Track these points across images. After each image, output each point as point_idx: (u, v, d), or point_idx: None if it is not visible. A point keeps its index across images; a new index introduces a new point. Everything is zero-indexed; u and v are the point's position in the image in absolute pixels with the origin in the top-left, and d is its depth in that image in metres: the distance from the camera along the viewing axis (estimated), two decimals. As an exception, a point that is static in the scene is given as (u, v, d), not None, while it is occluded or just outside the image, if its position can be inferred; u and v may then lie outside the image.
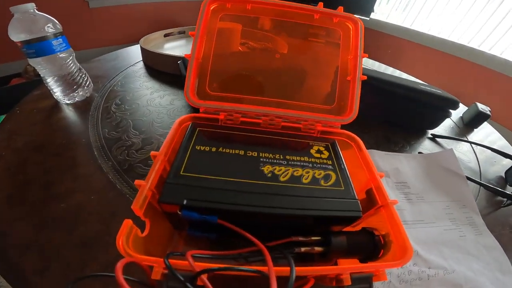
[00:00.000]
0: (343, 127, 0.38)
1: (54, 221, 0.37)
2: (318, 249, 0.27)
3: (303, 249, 0.27)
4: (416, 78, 2.98)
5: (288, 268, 0.20)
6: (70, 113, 0.59)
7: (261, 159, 0.30)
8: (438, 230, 0.45)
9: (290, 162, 0.30)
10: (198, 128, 0.33)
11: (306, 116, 0.37)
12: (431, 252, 0.42)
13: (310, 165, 0.30)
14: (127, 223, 0.22)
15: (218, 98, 0.36)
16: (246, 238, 0.24)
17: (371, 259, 0.27)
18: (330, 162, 0.31)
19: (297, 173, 0.29)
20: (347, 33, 0.40)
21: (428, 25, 3.11)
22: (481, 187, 0.56)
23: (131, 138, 0.52)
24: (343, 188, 0.29)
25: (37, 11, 0.55)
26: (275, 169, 0.29)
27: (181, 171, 0.27)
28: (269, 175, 0.28)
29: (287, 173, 0.29)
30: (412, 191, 0.51)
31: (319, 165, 0.31)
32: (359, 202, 0.28)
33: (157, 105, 0.63)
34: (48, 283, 0.31)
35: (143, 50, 0.84)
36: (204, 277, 0.19)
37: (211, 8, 0.39)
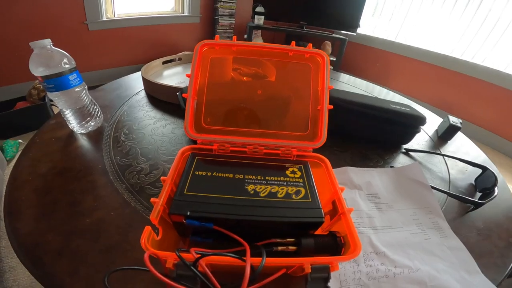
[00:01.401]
0: (315, 150, 0.46)
1: (80, 233, 0.45)
2: (292, 248, 0.35)
3: (280, 248, 0.35)
4: (405, 90, 3.09)
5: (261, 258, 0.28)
6: (85, 142, 0.67)
7: (246, 180, 0.39)
8: (405, 234, 0.52)
9: (269, 182, 0.39)
10: (196, 157, 0.42)
11: (283, 143, 0.45)
12: (398, 253, 0.47)
13: (285, 183, 0.39)
14: (148, 228, 0.30)
15: (212, 130, 0.45)
16: (235, 239, 0.32)
17: (335, 256, 0.35)
18: (301, 180, 0.40)
19: (274, 190, 0.38)
20: (316, 66, 0.49)
21: (414, 37, 3.24)
22: (449, 195, 0.62)
23: (140, 164, 0.61)
24: (310, 200, 0.37)
25: (53, 47, 0.62)
26: (257, 187, 0.38)
27: (185, 190, 0.36)
28: (252, 192, 0.37)
29: (266, 190, 0.37)
30: (382, 201, 0.58)
31: (292, 183, 0.39)
32: (322, 210, 0.36)
33: (160, 134, 0.72)
34: (78, 283, 0.38)
35: (145, 80, 0.92)
36: (202, 263, 0.27)
37: (203, 50, 0.47)
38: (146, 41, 3.26)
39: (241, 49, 0.48)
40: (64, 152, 0.64)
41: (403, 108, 0.76)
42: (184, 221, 0.33)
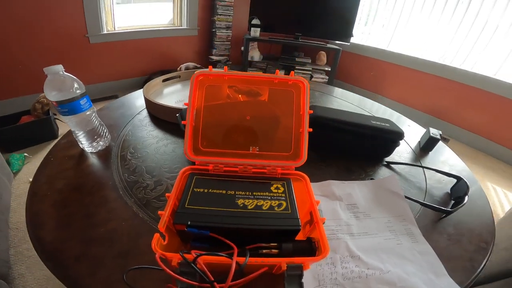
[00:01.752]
0: (298, 168, 0.54)
1: (96, 240, 0.52)
2: (274, 251, 0.43)
3: (264, 251, 0.43)
4: (398, 98, 3.16)
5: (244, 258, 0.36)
6: (95, 160, 0.75)
7: (236, 195, 0.47)
8: (379, 239, 0.58)
9: (256, 196, 0.47)
10: (195, 176, 0.50)
11: (269, 163, 0.53)
12: (371, 257, 0.53)
13: (269, 197, 0.47)
14: (157, 235, 0.38)
15: (208, 153, 0.53)
16: (227, 244, 0.39)
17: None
18: (283, 195, 0.48)
19: (259, 203, 0.45)
20: (298, 92, 0.56)
21: (405, 46, 3.30)
22: (421, 205, 0.68)
23: (146, 181, 0.68)
24: (290, 212, 0.45)
25: (65, 73, 0.68)
26: (245, 201, 0.45)
27: (186, 204, 0.44)
28: (241, 205, 0.45)
29: (253, 204, 0.45)
30: (360, 210, 0.64)
31: (275, 197, 0.47)
32: (299, 220, 0.43)
33: (163, 153, 0.79)
34: (97, 284, 0.45)
35: (147, 100, 0.99)
36: (200, 261, 0.35)
37: (199, 80, 0.55)
38: (145, 54, 3.33)
39: (232, 78, 0.56)
40: (77, 170, 0.71)
41: (383, 124, 0.83)
42: (186, 229, 0.41)
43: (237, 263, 0.35)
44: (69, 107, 0.69)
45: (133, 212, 0.59)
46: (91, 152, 0.77)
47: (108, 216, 0.57)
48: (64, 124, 2.30)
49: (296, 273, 0.37)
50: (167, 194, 0.45)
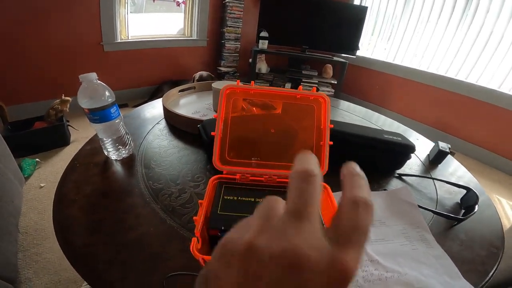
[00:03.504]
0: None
1: (127, 245, 0.55)
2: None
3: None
4: (404, 111, 3.16)
5: None
6: (119, 168, 0.78)
7: None
8: (395, 245, 0.60)
9: (282, 204, 0.49)
10: (224, 185, 0.52)
11: (293, 173, 0.56)
12: (389, 261, 0.56)
13: (295, 206, 0.49)
14: (194, 239, 0.40)
15: (235, 163, 0.56)
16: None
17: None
18: (308, 203, 0.50)
19: (286, 211, 0.48)
20: (319, 107, 0.59)
21: (411, 59, 3.33)
22: (433, 213, 0.71)
23: (170, 188, 0.70)
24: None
25: (98, 81, 0.71)
26: (274, 209, 0.48)
27: (218, 211, 0.47)
28: (270, 213, 0.47)
29: (281, 211, 0.48)
30: (376, 218, 0.67)
31: (300, 205, 0.50)
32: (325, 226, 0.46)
33: (184, 162, 0.82)
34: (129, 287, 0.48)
35: (166, 110, 1.02)
36: None
37: (227, 93, 0.58)
38: (155, 63, 3.38)
39: (257, 92, 0.59)
40: (103, 176, 0.74)
41: (395, 137, 0.86)
42: (219, 234, 0.44)
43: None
44: (101, 115, 0.71)
45: (160, 218, 0.61)
46: (115, 160, 0.80)
47: (137, 222, 0.60)
48: (76, 131, 2.34)
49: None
50: (200, 201, 0.47)
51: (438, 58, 3.08)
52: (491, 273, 0.58)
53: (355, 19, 3.27)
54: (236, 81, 0.59)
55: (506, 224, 1.96)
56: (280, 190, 0.53)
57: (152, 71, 3.38)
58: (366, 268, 0.54)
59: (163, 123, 1.05)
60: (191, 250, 0.39)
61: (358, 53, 3.49)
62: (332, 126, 0.57)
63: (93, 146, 0.84)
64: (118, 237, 0.56)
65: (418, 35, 3.21)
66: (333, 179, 0.82)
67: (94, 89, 0.71)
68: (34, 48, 2.50)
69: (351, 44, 3.37)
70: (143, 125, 1.01)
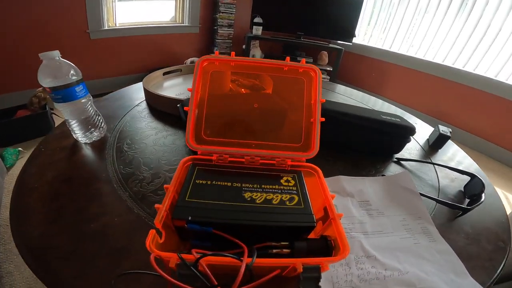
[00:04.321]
0: (309, 160, 0.49)
1: (87, 237, 0.48)
2: (286, 251, 0.38)
3: (274, 250, 0.38)
4: (400, 99, 3.14)
5: (255, 260, 0.31)
6: (89, 152, 0.70)
7: (243, 188, 0.42)
8: (394, 238, 0.54)
9: (264, 189, 0.42)
10: (197, 167, 0.45)
11: (278, 154, 0.48)
12: (388, 257, 0.49)
13: (279, 191, 0.42)
14: (152, 231, 0.33)
15: (211, 142, 0.48)
16: (232, 243, 0.35)
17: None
18: (295, 188, 0.43)
19: (269, 197, 0.41)
20: (309, 81, 0.52)
21: (408, 47, 3.30)
22: (436, 202, 0.65)
23: (143, 173, 0.63)
24: (303, 207, 0.40)
25: (61, 58, 0.65)
26: (253, 194, 0.41)
27: (186, 197, 0.39)
28: (249, 199, 0.40)
29: (262, 197, 0.40)
30: (373, 207, 0.61)
31: (286, 191, 0.42)
32: (314, 216, 0.39)
33: (162, 145, 0.75)
34: (85, 286, 0.40)
35: (146, 91, 0.94)
36: (203, 263, 0.30)
37: (204, 65, 0.51)
38: (146, 50, 3.30)
39: (239, 64, 0.51)
40: (69, 161, 0.66)
41: (394, 118, 0.79)
42: (186, 225, 0.36)
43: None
44: (63, 93, 0.65)
45: (127, 207, 0.54)
46: (85, 143, 0.73)
47: (101, 211, 0.53)
48: (61, 119, 2.25)
49: (313, 276, 0.33)
50: (165, 186, 0.40)
51: (436, 47, 3.04)
52: (499, 270, 0.52)
53: (352, 5, 3.19)
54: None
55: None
56: (262, 173, 0.46)
57: (142, 58, 3.30)
58: (362, 266, 0.48)
59: (143, 105, 0.97)
60: (146, 244, 0.31)
61: (355, 40, 3.42)
62: (324, 101, 0.50)
63: (63, 130, 0.76)
64: (78, 228, 0.49)
65: (415, 24, 3.15)
66: (324, 162, 0.77)
67: (57, 67, 0.64)
68: (16, 36, 2.41)
69: (348, 31, 3.30)
70: (122, 107, 0.94)
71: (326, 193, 0.42)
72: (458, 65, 2.88)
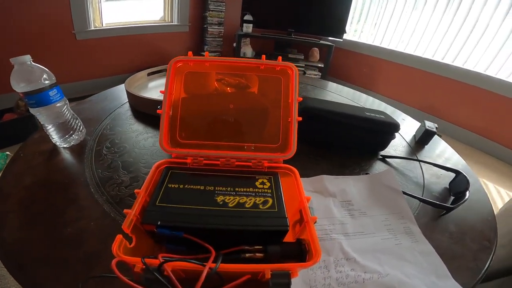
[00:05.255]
0: (289, 160, 0.48)
1: (63, 241, 0.47)
2: (259, 255, 0.37)
3: (247, 254, 0.37)
4: (391, 94, 3.14)
5: (220, 265, 0.30)
6: (67, 156, 0.69)
7: (216, 192, 0.41)
8: (376, 239, 0.53)
9: (238, 193, 0.41)
10: (170, 170, 0.44)
11: (254, 156, 0.47)
12: (368, 259, 0.48)
13: (254, 194, 0.41)
14: (119, 237, 0.33)
15: (187, 145, 0.47)
16: (203, 246, 0.34)
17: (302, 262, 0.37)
18: (269, 191, 0.42)
19: (242, 200, 0.40)
20: (287, 79, 0.51)
21: (398, 42, 3.31)
22: (420, 201, 0.64)
23: (121, 177, 0.62)
24: (276, 210, 0.39)
25: (33, 63, 0.63)
26: (226, 198, 0.40)
27: (157, 202, 0.38)
28: (221, 202, 0.39)
29: (235, 201, 0.39)
30: (355, 207, 0.60)
31: (260, 194, 0.41)
32: (287, 219, 0.38)
33: (142, 147, 0.73)
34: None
35: (128, 93, 0.93)
36: (168, 268, 0.29)
37: (177, 66, 0.50)
38: (135, 50, 3.27)
39: (214, 64, 0.50)
40: (48, 166, 0.65)
41: (378, 115, 0.78)
42: (155, 230, 0.35)
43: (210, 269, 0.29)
44: (37, 98, 0.63)
45: (104, 211, 0.54)
46: (63, 147, 0.72)
47: (76, 215, 0.52)
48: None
49: (283, 282, 0.32)
50: (136, 190, 0.39)
51: (425, 42, 3.05)
52: (483, 270, 0.51)
53: (342, 1, 3.18)
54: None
55: (494, 211, 1.90)
56: (237, 175, 0.45)
57: (131, 58, 3.26)
58: (341, 269, 0.47)
59: (126, 106, 0.96)
60: (113, 250, 0.31)
61: (345, 36, 3.42)
62: (301, 99, 0.49)
63: (42, 134, 0.75)
64: (55, 233, 0.49)
65: (405, 19, 3.15)
66: (308, 161, 0.75)
67: (29, 71, 0.62)
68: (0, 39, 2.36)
69: (338, 28, 3.29)
70: (104, 110, 0.92)
71: (301, 195, 0.42)
72: (448, 60, 2.90)
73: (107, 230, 0.50)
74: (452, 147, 0.94)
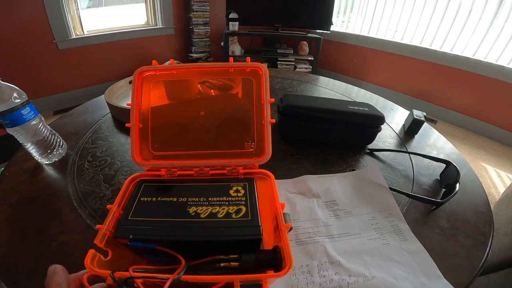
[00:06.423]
0: (262, 165, 0.47)
1: (49, 255, 0.49)
2: (234, 264, 0.36)
3: (222, 264, 0.36)
4: (383, 83, 3.15)
5: (189, 276, 0.30)
6: (51, 172, 0.69)
7: (188, 203, 0.40)
8: (362, 240, 0.52)
9: (211, 202, 0.40)
10: (144, 184, 0.43)
11: (229, 163, 0.47)
12: (353, 261, 0.47)
13: (227, 203, 0.41)
14: (91, 251, 0.33)
15: (161, 156, 0.47)
16: (176, 257, 0.34)
17: (277, 271, 0.37)
18: (243, 199, 0.41)
19: (214, 210, 0.39)
20: (258, 80, 0.49)
21: (386, 31, 3.30)
22: (408, 196, 0.62)
23: (103, 190, 0.63)
24: (250, 218, 0.38)
25: (1, 82, 0.62)
26: (198, 209, 0.39)
27: (129, 216, 0.38)
28: (193, 214, 0.39)
29: (207, 211, 0.39)
30: (340, 207, 0.58)
31: (234, 202, 0.41)
32: (261, 228, 0.37)
33: (123, 159, 0.73)
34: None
35: (108, 104, 0.91)
36: (138, 281, 0.29)
37: (145, 76, 0.49)
38: (121, 56, 3.24)
39: (182, 71, 0.49)
40: (31, 183, 0.66)
41: (362, 108, 0.77)
42: (129, 243, 0.35)
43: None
44: (10, 118, 0.63)
45: (87, 225, 0.55)
46: (46, 164, 0.72)
47: (60, 230, 0.54)
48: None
49: (254, 293, 0.31)
50: (108, 206, 0.39)
51: (411, 29, 3.06)
52: (478, 268, 0.49)
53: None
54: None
55: (494, 195, 1.90)
56: (211, 184, 0.45)
57: (118, 64, 3.23)
58: (324, 273, 0.46)
59: (108, 117, 0.95)
60: (85, 264, 0.32)
61: (333, 28, 3.41)
62: (273, 100, 0.48)
63: (24, 152, 0.74)
64: (41, 247, 0.51)
65: (390, 7, 3.15)
66: (292, 162, 0.73)
67: None
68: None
69: (325, 20, 3.27)
70: (85, 122, 0.92)
71: (275, 202, 0.41)
72: (435, 46, 2.92)
73: (91, 243, 0.49)
74: (448, 132, 0.93)
